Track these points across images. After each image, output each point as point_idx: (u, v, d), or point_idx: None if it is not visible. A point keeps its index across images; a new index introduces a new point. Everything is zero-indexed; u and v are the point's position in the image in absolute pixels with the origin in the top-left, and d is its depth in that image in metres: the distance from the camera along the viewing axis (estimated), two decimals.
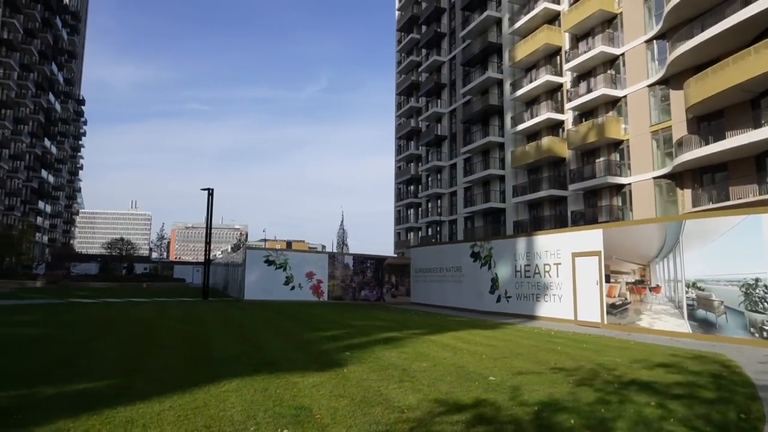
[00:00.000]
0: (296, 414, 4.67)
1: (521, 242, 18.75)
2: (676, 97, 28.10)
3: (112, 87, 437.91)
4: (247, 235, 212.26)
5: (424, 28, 57.41)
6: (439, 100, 53.49)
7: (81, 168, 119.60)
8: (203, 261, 27.35)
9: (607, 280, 14.45)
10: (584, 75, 35.56)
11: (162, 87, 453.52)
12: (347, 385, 5.86)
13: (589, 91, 34.36)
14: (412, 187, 58.75)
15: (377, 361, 7.44)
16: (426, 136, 53.83)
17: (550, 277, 16.89)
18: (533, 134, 39.63)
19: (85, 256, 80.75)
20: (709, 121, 26.51)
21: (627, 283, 13.79)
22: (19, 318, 12.50)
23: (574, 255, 15.83)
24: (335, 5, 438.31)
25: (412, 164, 59.18)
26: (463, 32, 47.30)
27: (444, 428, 4.39)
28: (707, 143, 25.40)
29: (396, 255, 52.36)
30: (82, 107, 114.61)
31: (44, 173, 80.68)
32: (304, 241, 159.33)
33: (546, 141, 36.73)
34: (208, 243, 25.70)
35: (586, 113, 35.29)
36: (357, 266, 26.30)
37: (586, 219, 32.70)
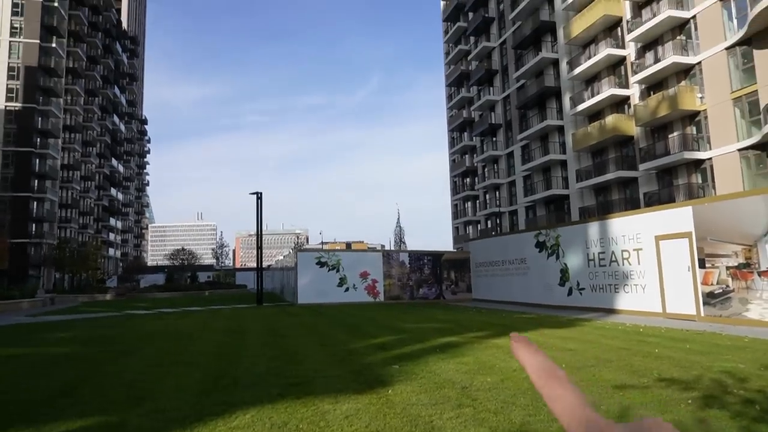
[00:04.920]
0: None
1: (593, 227, 16.79)
2: (762, 58, 24.96)
3: (175, 107, 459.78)
4: (307, 239, 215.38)
5: (470, 15, 55.23)
6: (491, 88, 51.22)
7: (147, 184, 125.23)
8: (262, 267, 26.86)
9: (702, 266, 12.37)
10: (650, 44, 32.56)
11: (222, 103, 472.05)
12: (389, 414, 4.55)
13: (656, 61, 31.38)
14: (468, 180, 56.70)
15: (430, 377, 6.09)
16: (479, 125, 51.70)
17: (630, 264, 14.89)
18: (595, 114, 36.85)
19: (153, 268, 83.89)
20: None
21: (728, 268, 11.69)
22: (58, 335, 12.04)
23: (658, 238, 13.80)
24: (382, 6, 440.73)
25: (466, 156, 57.11)
26: (512, 14, 44.94)
27: None
28: None
29: (455, 249, 50.56)
30: (145, 126, 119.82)
31: (113, 191, 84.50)
32: (363, 242, 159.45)
33: (610, 119, 33.97)
34: (259, 248, 25.14)
35: (654, 86, 32.30)
36: (413, 263, 24.94)
37: (662, 200, 29.77)
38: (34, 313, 21.45)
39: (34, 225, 57.01)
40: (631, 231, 14.85)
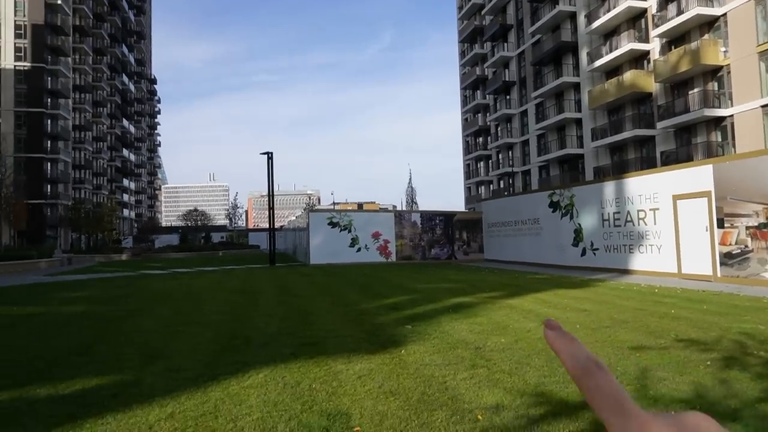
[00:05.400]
0: (327, 426, 3.40)
1: (608, 187, 16.48)
2: None
3: (182, 67, 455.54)
4: (319, 199, 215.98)
5: None
6: (505, 44, 49.76)
7: (159, 145, 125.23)
8: (274, 228, 26.96)
9: (720, 225, 12.12)
10: None
11: (230, 62, 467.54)
12: (402, 374, 4.52)
13: (679, 13, 30.10)
14: (480, 139, 55.89)
15: (443, 337, 6.06)
16: (493, 83, 50.53)
17: (646, 224, 14.66)
18: (613, 70, 35.76)
19: (167, 229, 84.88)
20: None
21: (747, 228, 11.44)
22: (73, 294, 12.22)
23: (676, 198, 13.51)
24: None
25: (479, 115, 56.13)
26: None
27: None
28: None
29: (467, 210, 50.37)
30: (155, 86, 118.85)
31: (125, 152, 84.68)
32: (374, 203, 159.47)
33: (629, 75, 32.94)
34: (271, 208, 25.16)
35: (676, 39, 31.11)
36: (425, 224, 24.86)
37: (679, 159, 29.10)
38: (51, 272, 21.84)
39: (48, 186, 57.53)
40: (648, 190, 14.55)
